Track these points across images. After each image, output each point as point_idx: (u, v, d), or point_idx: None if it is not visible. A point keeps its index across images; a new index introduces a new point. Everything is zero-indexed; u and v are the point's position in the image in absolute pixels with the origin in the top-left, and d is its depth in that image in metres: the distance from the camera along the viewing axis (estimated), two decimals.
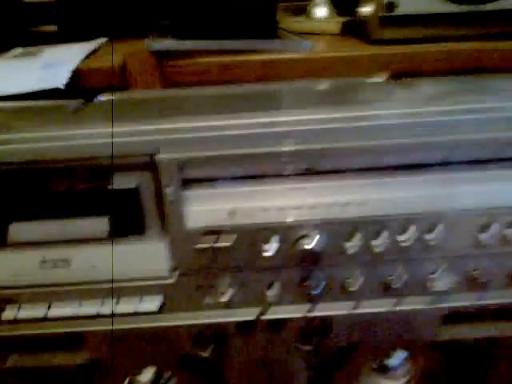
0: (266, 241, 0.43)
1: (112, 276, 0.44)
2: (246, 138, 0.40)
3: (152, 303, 0.45)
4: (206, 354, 0.48)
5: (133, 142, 0.41)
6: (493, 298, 0.46)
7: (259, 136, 0.40)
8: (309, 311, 0.46)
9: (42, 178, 0.42)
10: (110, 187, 0.41)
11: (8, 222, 0.43)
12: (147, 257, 0.44)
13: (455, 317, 0.47)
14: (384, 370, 0.61)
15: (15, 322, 0.45)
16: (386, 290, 0.45)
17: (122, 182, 0.42)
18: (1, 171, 0.41)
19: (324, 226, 0.42)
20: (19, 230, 0.43)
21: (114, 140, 0.40)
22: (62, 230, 0.43)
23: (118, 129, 0.40)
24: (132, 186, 0.41)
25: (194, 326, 0.46)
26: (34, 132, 0.41)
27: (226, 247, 0.43)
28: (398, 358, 0.61)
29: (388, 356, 0.60)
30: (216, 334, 0.47)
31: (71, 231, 0.43)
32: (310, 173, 0.41)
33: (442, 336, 0.48)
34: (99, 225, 0.43)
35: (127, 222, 0.43)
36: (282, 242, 0.43)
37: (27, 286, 0.44)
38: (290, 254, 0.43)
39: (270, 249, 0.43)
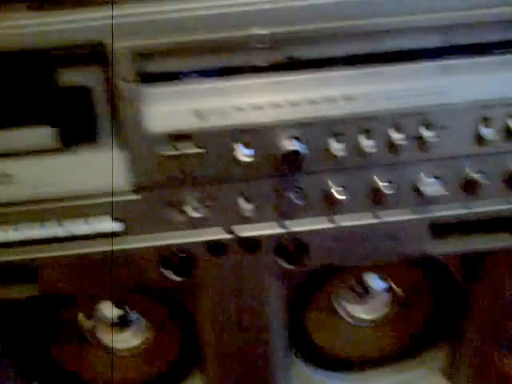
0: (241, 145, 0.37)
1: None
2: (213, 19, 0.34)
3: (111, 223, 0.39)
4: (173, 279, 0.43)
5: (79, 29, 0.33)
6: (484, 206, 0.43)
7: (227, 17, 0.34)
8: (286, 227, 0.41)
9: None
10: (53, 85, 0.34)
11: None
12: (101, 169, 0.38)
13: (444, 228, 0.44)
14: (362, 295, 0.59)
15: None
16: (374, 200, 0.41)
17: (67, 78, 0.35)
18: None
19: (307, 125, 0.37)
20: None
21: (56, 27, 0.33)
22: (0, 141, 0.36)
23: (62, 18, 0.33)
24: (80, 83, 0.34)
25: (160, 247, 0.41)
26: None
27: (194, 154, 0.37)
28: (377, 285, 0.58)
29: (367, 281, 0.58)
30: (184, 256, 0.42)
31: (10, 142, 0.36)
32: (289, 63, 0.36)
33: (429, 250, 0.45)
34: (43, 133, 0.36)
35: (76, 128, 0.36)
36: (258, 145, 0.37)
37: None
38: (268, 159, 0.38)
39: (246, 154, 0.37)
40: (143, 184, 0.38)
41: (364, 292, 0.59)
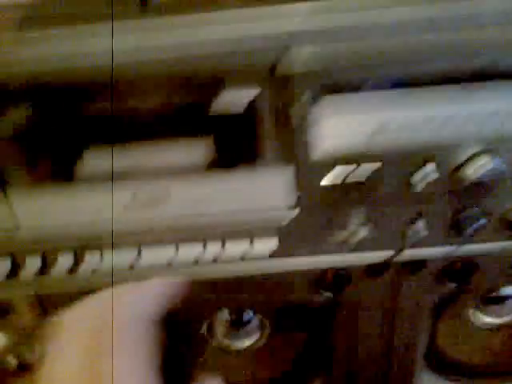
0: (418, 167, 0.33)
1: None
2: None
3: (265, 246, 0.36)
4: (324, 297, 0.40)
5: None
6: None
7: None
8: (453, 252, 0.37)
9: (125, 92, 0.31)
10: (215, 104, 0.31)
11: (81, 149, 0.33)
12: (262, 188, 0.34)
13: None
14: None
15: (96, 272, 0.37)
16: None
17: (231, 96, 0.31)
18: (67, 86, 0.30)
19: (503, 143, 0.32)
20: (95, 161, 0.33)
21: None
22: (154, 160, 0.33)
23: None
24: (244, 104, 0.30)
25: (315, 268, 0.38)
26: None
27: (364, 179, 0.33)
28: None
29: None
30: (337, 280, 0.39)
31: (165, 160, 0.33)
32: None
33: None
34: (201, 152, 0.33)
35: (236, 147, 0.33)
36: (439, 167, 0.33)
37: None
38: (447, 183, 0.33)
39: (423, 178, 0.33)
40: (304, 203, 0.35)
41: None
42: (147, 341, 0.28)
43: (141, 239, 0.36)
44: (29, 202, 0.35)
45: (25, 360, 0.48)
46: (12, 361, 0.51)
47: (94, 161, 0.34)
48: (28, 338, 0.43)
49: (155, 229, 0.36)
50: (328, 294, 0.40)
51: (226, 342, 0.54)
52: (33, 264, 0.37)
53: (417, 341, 0.45)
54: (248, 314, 0.54)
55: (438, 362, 0.54)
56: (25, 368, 0.50)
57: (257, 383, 0.57)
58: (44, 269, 0.37)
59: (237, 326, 0.54)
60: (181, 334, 0.49)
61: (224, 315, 0.54)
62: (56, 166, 0.34)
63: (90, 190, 0.34)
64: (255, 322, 0.54)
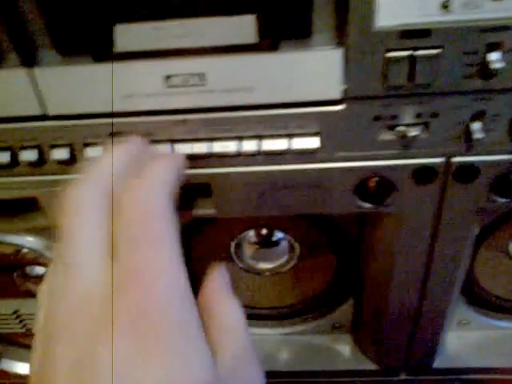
0: (495, 47, 0.29)
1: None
2: None
3: (305, 145, 0.33)
4: (363, 206, 0.37)
5: None
6: None
7: None
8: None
9: None
10: None
11: (114, 21, 0.30)
12: (312, 73, 0.31)
13: None
14: None
15: None
16: None
17: None
18: None
19: None
20: (132, 34, 0.31)
21: None
22: (194, 34, 0.30)
23: None
24: None
25: (358, 170, 0.35)
26: None
27: (428, 57, 0.29)
28: None
29: None
30: (383, 182, 0.36)
31: (206, 35, 0.30)
32: None
33: None
34: (245, 24, 0.30)
35: (284, 19, 0.29)
36: (506, 55, 0.29)
37: (146, 113, 0.33)
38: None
39: (496, 60, 0.29)
40: (355, 93, 0.31)
41: None
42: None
43: (172, 132, 0.34)
44: (57, 85, 0.32)
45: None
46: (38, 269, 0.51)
47: (125, 38, 0.31)
48: None
49: (188, 120, 0.33)
50: (368, 205, 0.37)
51: (253, 263, 0.53)
52: (59, 154, 0.35)
53: (456, 264, 0.42)
54: (277, 236, 0.52)
55: (472, 293, 0.52)
56: None
57: (282, 307, 0.56)
58: (71, 160, 0.35)
59: (265, 246, 0.53)
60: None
61: (253, 235, 0.52)
62: (85, 44, 0.31)
63: (120, 71, 0.32)
64: (284, 243, 0.52)
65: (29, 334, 0.52)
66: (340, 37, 0.30)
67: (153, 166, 0.27)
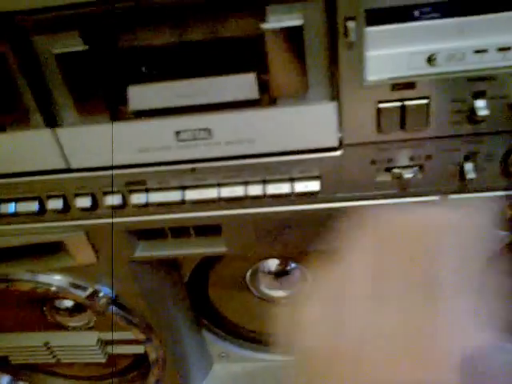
0: (479, 95, 0.31)
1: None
2: None
3: (306, 188, 0.36)
4: None
5: None
6: None
7: None
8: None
9: (172, 21, 0.31)
10: (261, 27, 0.30)
11: (128, 83, 0.33)
12: (307, 124, 0.33)
13: None
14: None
15: (145, 206, 0.38)
16: None
17: (278, 18, 0.30)
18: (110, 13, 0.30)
19: None
20: (144, 94, 0.34)
21: None
22: (200, 92, 0.33)
23: None
24: (295, 22, 0.29)
25: (359, 208, 0.37)
26: None
27: (416, 106, 0.32)
28: None
29: None
30: None
31: (211, 93, 0.33)
32: None
33: None
34: (246, 83, 0.32)
35: (283, 76, 0.32)
36: (497, 96, 0.31)
37: (159, 164, 0.36)
38: (505, 113, 0.32)
39: (480, 107, 0.31)
40: (351, 140, 0.34)
41: None
42: None
43: (183, 180, 0.37)
44: (78, 142, 0.36)
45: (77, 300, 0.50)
46: (67, 302, 0.54)
47: (138, 98, 0.34)
48: (82, 277, 0.45)
49: (197, 169, 0.36)
50: None
51: (268, 291, 0.55)
52: (82, 202, 0.38)
53: None
54: (291, 265, 0.55)
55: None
56: (79, 309, 0.53)
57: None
58: (93, 207, 0.39)
59: (280, 276, 0.55)
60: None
61: (267, 265, 0.54)
62: (102, 103, 0.34)
63: (134, 128, 0.35)
64: (297, 272, 0.54)
65: (59, 364, 0.55)
66: (334, 91, 0.32)
67: None
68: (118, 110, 0.34)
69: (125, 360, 0.56)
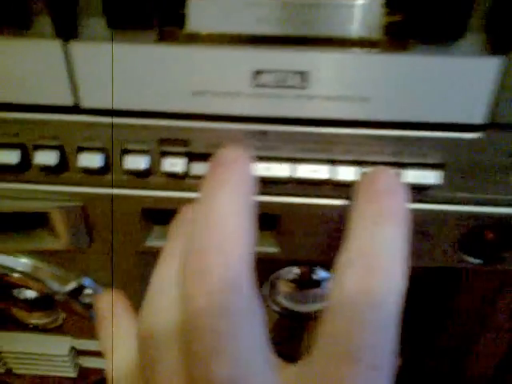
0: None
1: None
2: None
3: (432, 172, 0.25)
4: (470, 262, 0.29)
5: None
6: None
7: None
8: None
9: None
10: None
11: None
12: (450, 85, 0.23)
13: None
14: None
15: (181, 177, 0.26)
16: None
17: None
18: None
19: None
20: (212, 9, 0.22)
21: None
22: (297, 17, 0.22)
23: None
24: None
25: (480, 216, 0.27)
26: None
27: None
28: None
29: None
30: (499, 241, 0.28)
31: (314, 21, 0.22)
32: None
33: None
34: (369, 11, 0.22)
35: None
36: None
37: (216, 117, 0.24)
38: None
39: None
40: (505, 119, 0.24)
41: None
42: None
43: (248, 146, 0.25)
44: (98, 68, 0.24)
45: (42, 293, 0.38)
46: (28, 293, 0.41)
47: (199, 14, 0.23)
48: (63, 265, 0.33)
49: (270, 133, 0.25)
50: (477, 261, 0.29)
51: (290, 305, 0.44)
52: (88, 160, 0.26)
53: None
54: (319, 274, 0.44)
55: None
56: (44, 304, 0.40)
57: None
58: (103, 169, 0.27)
59: (305, 287, 0.44)
60: None
61: (290, 273, 0.44)
62: (147, 16, 0.22)
63: (192, 57, 0.23)
64: (327, 284, 0.44)
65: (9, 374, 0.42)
66: (497, 42, 0.22)
67: None
68: (170, 27, 0.23)
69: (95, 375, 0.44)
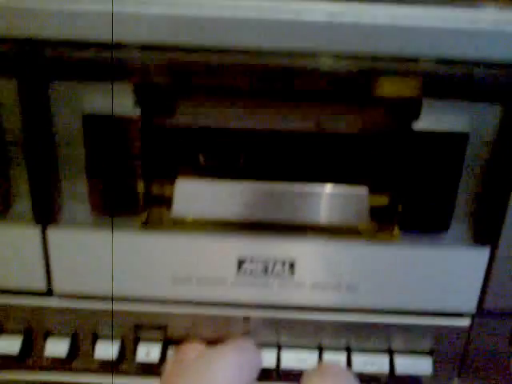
0: None
1: None
2: None
3: (421, 360, 0.24)
4: None
5: None
6: None
7: None
8: None
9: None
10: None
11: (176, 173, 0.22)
12: (440, 275, 0.22)
13: None
14: None
15: (155, 366, 0.24)
16: None
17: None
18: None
19: None
20: (199, 196, 0.22)
21: None
22: (281, 206, 0.22)
23: None
24: (461, 129, 0.20)
25: None
26: None
27: None
28: None
29: None
30: None
31: (301, 208, 0.22)
32: None
33: None
34: (354, 200, 0.22)
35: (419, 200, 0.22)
36: None
37: (198, 303, 0.23)
38: None
39: None
40: (493, 305, 0.23)
41: None
42: None
43: (228, 331, 0.24)
44: (73, 250, 0.23)
45: None
46: None
47: (190, 200, 0.23)
48: None
49: (252, 318, 0.24)
50: None
51: None
52: (54, 348, 0.24)
53: None
54: None
55: None
56: None
57: None
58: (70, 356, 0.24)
59: None
60: None
61: None
62: (136, 199, 0.22)
63: (173, 243, 0.23)
64: None
65: None
66: (484, 233, 0.22)
67: None
68: (154, 214, 0.23)
69: None
